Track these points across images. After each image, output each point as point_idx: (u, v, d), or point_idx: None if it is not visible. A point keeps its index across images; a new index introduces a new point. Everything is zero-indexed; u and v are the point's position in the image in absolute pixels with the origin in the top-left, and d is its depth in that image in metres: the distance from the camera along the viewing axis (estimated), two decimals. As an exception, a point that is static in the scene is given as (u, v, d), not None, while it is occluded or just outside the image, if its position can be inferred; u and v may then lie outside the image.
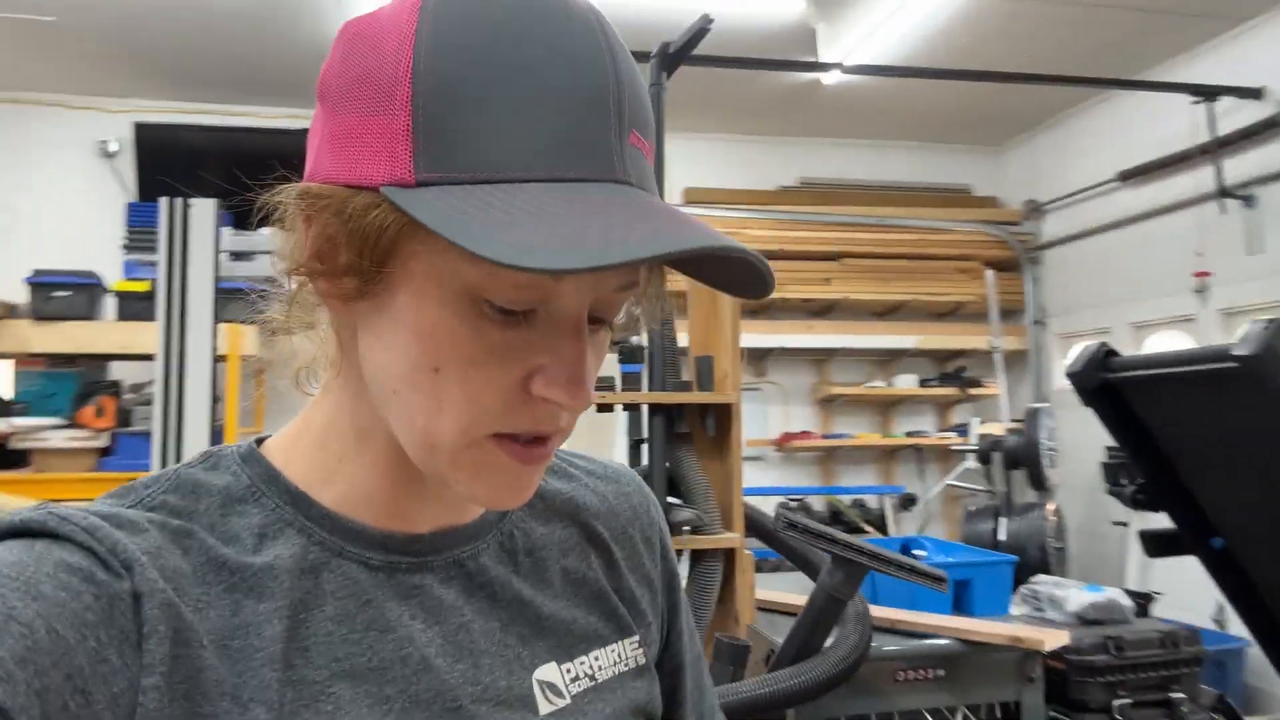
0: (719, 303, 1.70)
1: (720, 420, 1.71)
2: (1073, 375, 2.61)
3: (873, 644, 1.72)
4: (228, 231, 3.99)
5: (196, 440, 2.83)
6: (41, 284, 3.72)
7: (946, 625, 1.71)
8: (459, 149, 0.43)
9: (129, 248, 3.94)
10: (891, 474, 5.35)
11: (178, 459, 2.90)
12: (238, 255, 3.96)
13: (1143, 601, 2.95)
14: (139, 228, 3.96)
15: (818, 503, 5.05)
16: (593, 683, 0.58)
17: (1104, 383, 2.51)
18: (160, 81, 4.43)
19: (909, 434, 5.26)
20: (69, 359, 3.93)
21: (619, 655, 0.60)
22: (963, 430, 5.01)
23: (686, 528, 1.64)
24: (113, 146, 4.53)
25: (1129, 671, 1.99)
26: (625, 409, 1.85)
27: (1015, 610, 2.24)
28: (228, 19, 3.81)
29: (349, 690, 0.48)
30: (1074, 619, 2.10)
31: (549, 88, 0.43)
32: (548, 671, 0.56)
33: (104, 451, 3.79)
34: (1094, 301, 4.91)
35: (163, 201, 2.93)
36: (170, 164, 4.48)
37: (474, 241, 0.39)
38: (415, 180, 0.43)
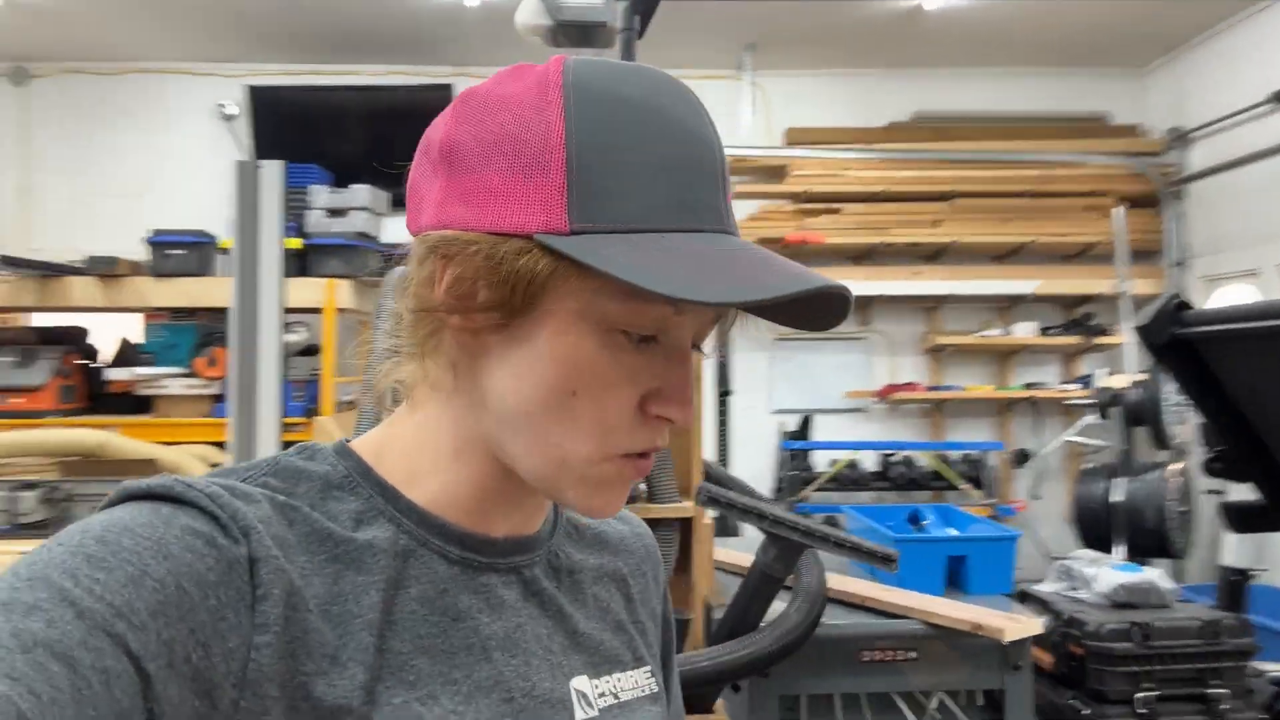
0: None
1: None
2: (1141, 329, 2.33)
3: (840, 622, 1.63)
4: (324, 190, 4.17)
5: (269, 392, 3.00)
6: (159, 243, 4.04)
7: (908, 605, 1.59)
8: (606, 204, 0.50)
9: (238, 207, 4.19)
10: (1007, 429, 5.03)
11: (252, 411, 3.09)
12: (334, 212, 4.13)
13: (1238, 579, 2.65)
14: (246, 188, 4.20)
15: (923, 459, 4.82)
16: (616, 700, 0.63)
17: (1175, 338, 2.24)
18: (271, 45, 4.66)
19: (1027, 385, 4.91)
20: (189, 312, 4.26)
21: (636, 681, 0.65)
22: (1088, 382, 4.63)
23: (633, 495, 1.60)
24: (231, 110, 4.81)
25: (1156, 661, 1.78)
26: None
27: (1048, 586, 2.06)
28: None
29: (427, 665, 0.53)
30: (1104, 600, 1.90)
31: (675, 157, 0.52)
32: (581, 682, 0.61)
33: (217, 398, 4.10)
34: (1244, 241, 4.38)
35: (235, 164, 3.09)
36: (281, 124, 4.72)
37: (646, 279, 0.46)
38: (569, 229, 0.50)
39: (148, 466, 3.65)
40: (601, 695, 0.62)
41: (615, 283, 0.47)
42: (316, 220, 4.14)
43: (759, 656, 1.34)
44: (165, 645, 0.42)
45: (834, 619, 1.58)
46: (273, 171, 3.07)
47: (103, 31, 4.43)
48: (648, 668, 0.67)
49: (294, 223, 4.09)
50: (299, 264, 4.07)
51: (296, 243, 4.04)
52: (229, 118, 4.83)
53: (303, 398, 4.09)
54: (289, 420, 3.56)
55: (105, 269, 3.92)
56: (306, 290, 3.92)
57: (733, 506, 1.41)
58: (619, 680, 0.64)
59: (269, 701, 0.46)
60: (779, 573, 1.42)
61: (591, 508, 0.56)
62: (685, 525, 1.63)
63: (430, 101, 4.82)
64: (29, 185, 4.77)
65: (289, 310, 3.85)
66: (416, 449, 0.58)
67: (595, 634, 0.64)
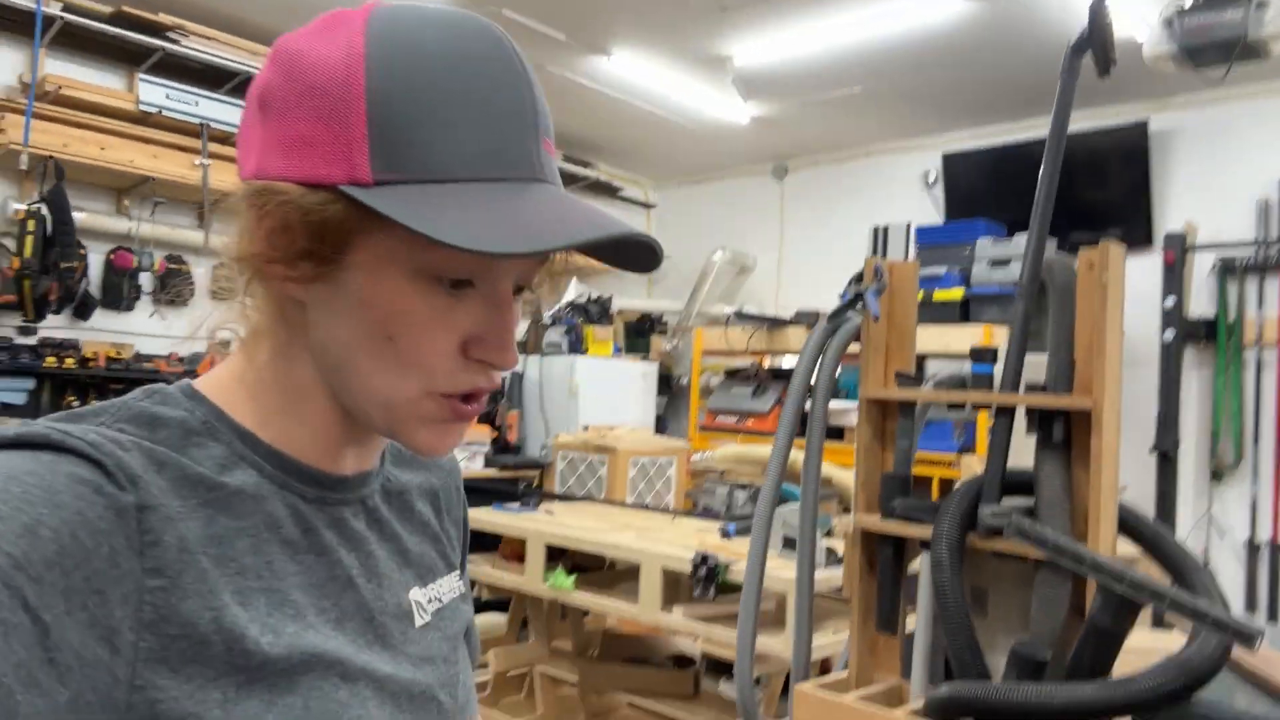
0: (1097, 299, 1.59)
1: (1077, 427, 1.59)
2: None
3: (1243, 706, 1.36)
4: (987, 241, 4.41)
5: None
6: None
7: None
8: (409, 155, 0.50)
9: (918, 263, 4.70)
10: None
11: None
12: (997, 262, 4.34)
13: None
14: (924, 245, 4.70)
15: None
16: (440, 604, 0.69)
17: None
18: (964, 112, 5.09)
19: None
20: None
21: (451, 584, 0.73)
22: None
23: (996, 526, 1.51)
24: (931, 177, 5.38)
25: None
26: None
27: None
28: (994, 49, 4.25)
29: (302, 598, 0.56)
30: None
31: (482, 106, 0.52)
32: (416, 593, 0.67)
33: (892, 431, 4.66)
34: None
35: (869, 229, 3.62)
36: (969, 184, 5.11)
37: (439, 231, 0.47)
38: (373, 180, 0.50)
39: (825, 484, 4.40)
40: (431, 601, 0.68)
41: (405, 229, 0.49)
42: (981, 271, 4.41)
43: (1074, 702, 1.26)
44: (61, 595, 0.43)
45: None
46: (898, 231, 3.52)
47: (835, 128, 5.44)
48: (456, 571, 0.74)
49: (961, 274, 4.44)
50: (963, 311, 4.40)
51: (958, 293, 4.39)
52: (930, 184, 5.40)
53: (962, 436, 4.39)
54: (935, 457, 3.93)
55: (809, 320, 4.85)
56: (963, 336, 4.23)
57: (1044, 543, 1.37)
58: (440, 586, 0.70)
59: (167, 640, 0.47)
60: (1108, 625, 1.31)
61: (421, 445, 0.57)
62: (1080, 581, 1.55)
63: (1125, 141, 4.64)
64: (783, 257, 6.09)
65: (948, 356, 4.21)
66: (263, 393, 0.58)
67: (418, 547, 0.69)
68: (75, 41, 3.99)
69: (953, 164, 5.17)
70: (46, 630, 0.41)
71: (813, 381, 2.19)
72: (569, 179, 6.12)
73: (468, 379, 0.56)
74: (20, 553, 0.42)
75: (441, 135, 0.51)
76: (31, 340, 3.85)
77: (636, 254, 0.57)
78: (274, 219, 0.53)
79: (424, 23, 0.53)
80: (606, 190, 6.37)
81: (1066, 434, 1.72)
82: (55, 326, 3.93)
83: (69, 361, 3.83)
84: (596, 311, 5.85)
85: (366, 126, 0.51)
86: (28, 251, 3.67)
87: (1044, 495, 1.69)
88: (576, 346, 5.65)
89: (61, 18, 3.77)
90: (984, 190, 5.00)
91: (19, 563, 0.41)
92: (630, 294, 6.46)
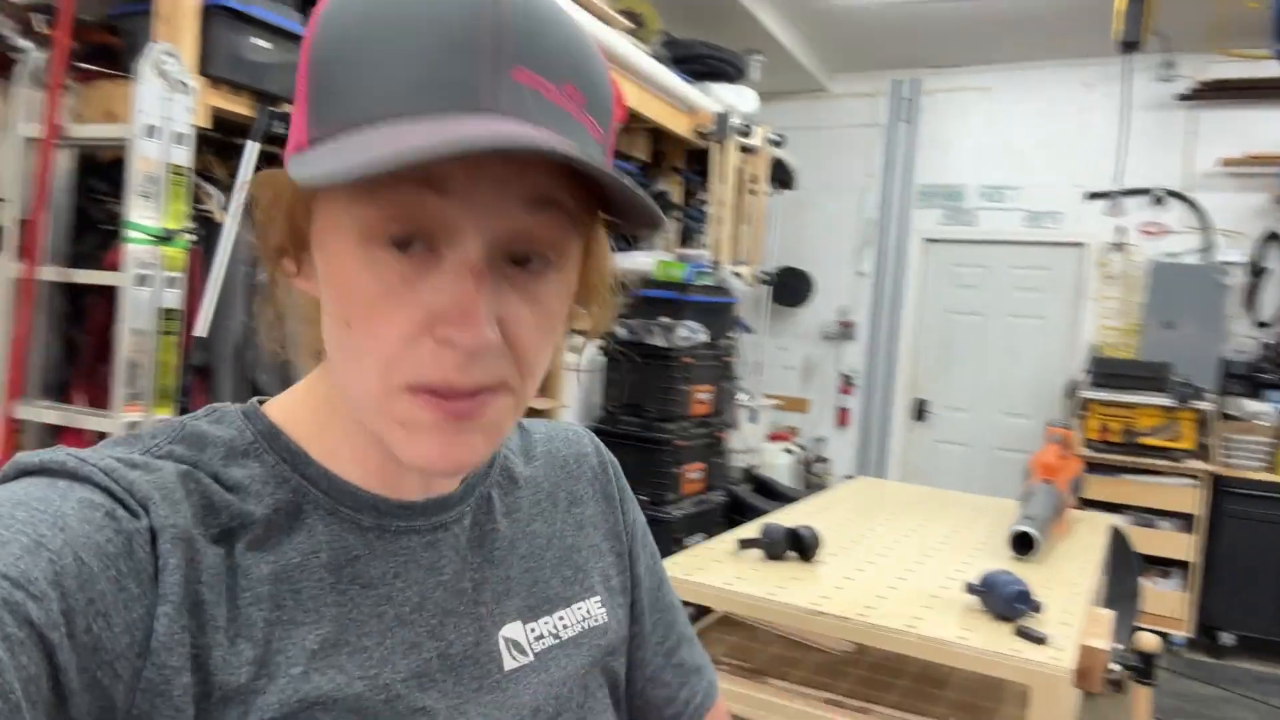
0: None
1: None
2: None
3: None
4: None
5: None
6: None
7: None
8: (335, 105, 0.44)
9: None
10: None
11: None
12: None
13: None
14: None
15: None
16: (556, 640, 0.61)
17: None
18: None
19: None
20: None
21: (585, 614, 0.64)
22: None
23: None
24: None
25: None
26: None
27: None
28: None
29: (334, 634, 0.50)
30: None
31: (414, 34, 0.43)
32: (513, 630, 0.59)
33: None
34: None
35: None
36: None
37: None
38: (308, 142, 0.45)
39: None
40: (540, 638, 0.60)
41: (343, 187, 0.42)
42: None
43: None
44: (63, 615, 0.41)
45: None
46: None
47: None
48: (597, 597, 0.65)
49: None
50: None
51: None
52: None
53: None
54: None
55: None
56: None
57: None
58: (561, 618, 0.62)
59: (170, 672, 0.45)
60: None
61: (413, 458, 0.48)
62: None
63: None
64: None
65: None
66: (321, 409, 0.54)
67: (532, 575, 0.62)
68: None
69: None
70: (54, 649, 0.40)
71: None
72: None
73: (434, 367, 0.45)
74: (19, 573, 0.40)
75: (367, 76, 0.43)
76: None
77: (634, 209, 0.46)
78: (258, 212, 0.50)
79: None
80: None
81: None
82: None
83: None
84: None
85: (306, 82, 0.45)
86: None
87: None
88: None
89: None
90: None
91: (18, 582, 0.40)
92: None
